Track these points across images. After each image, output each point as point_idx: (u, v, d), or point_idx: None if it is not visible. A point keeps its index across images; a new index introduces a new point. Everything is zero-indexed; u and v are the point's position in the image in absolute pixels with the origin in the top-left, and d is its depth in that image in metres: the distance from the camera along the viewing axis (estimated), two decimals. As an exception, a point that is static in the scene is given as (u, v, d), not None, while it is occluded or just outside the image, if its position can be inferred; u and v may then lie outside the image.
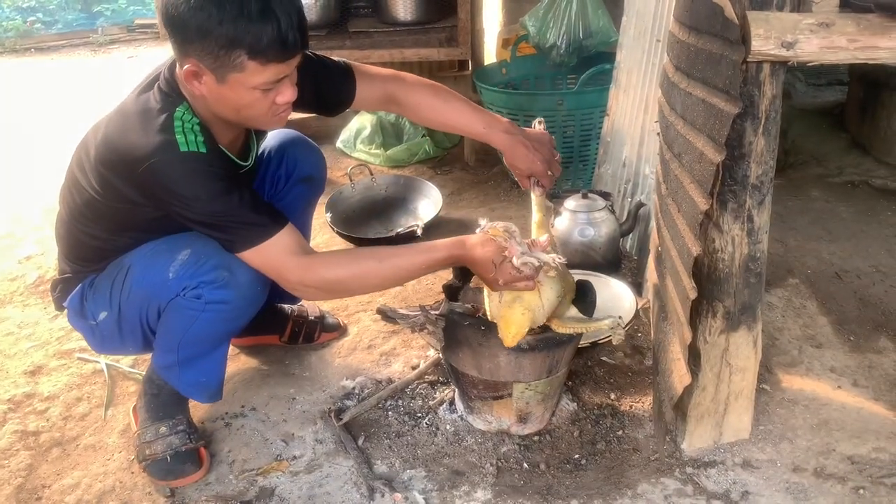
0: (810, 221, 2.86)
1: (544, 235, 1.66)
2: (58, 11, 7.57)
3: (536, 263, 1.55)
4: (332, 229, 2.75)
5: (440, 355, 1.95)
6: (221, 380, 1.82)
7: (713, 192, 1.39)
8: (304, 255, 1.56)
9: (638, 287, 2.41)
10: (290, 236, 1.55)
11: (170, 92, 1.53)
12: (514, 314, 1.59)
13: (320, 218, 2.86)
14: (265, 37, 1.36)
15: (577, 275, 2.34)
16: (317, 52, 1.80)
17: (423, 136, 3.60)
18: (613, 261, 2.50)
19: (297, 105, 1.63)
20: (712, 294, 1.60)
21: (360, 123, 3.67)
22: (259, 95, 1.45)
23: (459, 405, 1.88)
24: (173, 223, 1.57)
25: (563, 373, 1.79)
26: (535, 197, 1.81)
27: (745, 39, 1.33)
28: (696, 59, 1.50)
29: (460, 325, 1.68)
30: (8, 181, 3.72)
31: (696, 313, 1.61)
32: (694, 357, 1.63)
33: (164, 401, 1.80)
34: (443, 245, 1.60)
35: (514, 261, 1.54)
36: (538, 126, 1.88)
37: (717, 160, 1.35)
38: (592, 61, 2.96)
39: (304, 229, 2.09)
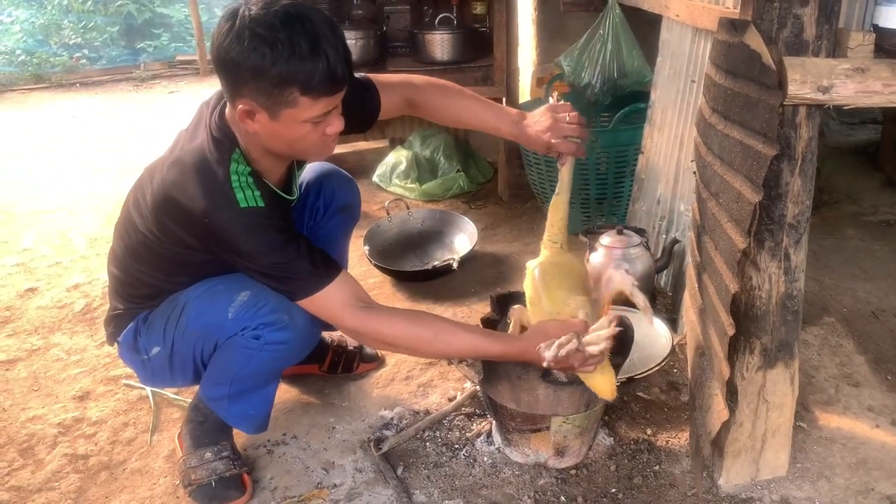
0: (845, 260, 2.86)
1: (604, 321, 1.68)
2: (102, 48, 7.86)
3: (598, 350, 1.61)
4: (370, 261, 2.80)
5: (477, 388, 1.98)
6: (269, 413, 1.87)
7: (751, 231, 1.42)
8: (360, 309, 1.60)
9: (673, 323, 2.43)
10: (345, 286, 1.60)
11: (222, 138, 1.57)
12: (605, 379, 1.68)
13: (358, 250, 2.93)
14: (317, 74, 1.41)
15: (614, 310, 2.39)
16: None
17: (458, 171, 3.68)
18: (648, 297, 2.51)
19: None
20: (749, 331, 1.63)
21: (395, 158, 3.75)
22: (310, 128, 1.50)
23: (497, 437, 1.91)
24: (230, 266, 1.62)
25: (600, 407, 1.82)
26: (562, 171, 1.85)
27: (781, 84, 1.38)
28: (733, 101, 1.54)
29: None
30: (54, 210, 3.84)
31: (734, 350, 1.63)
32: (731, 393, 1.65)
33: (209, 427, 1.85)
34: (501, 342, 1.67)
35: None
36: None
37: (755, 200, 1.38)
38: (626, 100, 3.01)
39: (342, 256, 2.15)
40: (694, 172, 2.03)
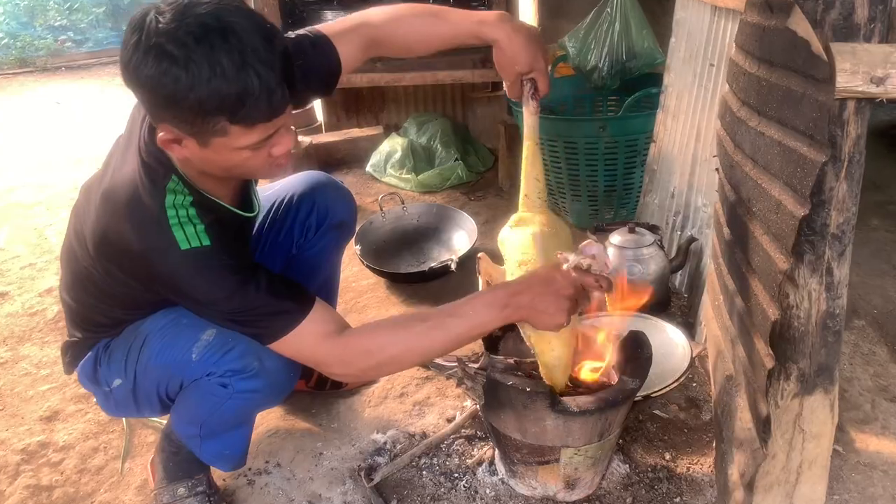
0: (872, 254, 2.66)
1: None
2: (88, 30, 7.59)
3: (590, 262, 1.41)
4: (362, 262, 2.61)
5: (478, 406, 1.80)
6: (246, 450, 1.69)
7: (794, 249, 1.22)
8: (339, 336, 1.37)
9: (689, 327, 2.24)
10: (319, 318, 1.36)
11: (154, 164, 1.33)
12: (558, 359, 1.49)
13: (349, 249, 2.73)
14: (247, 99, 1.15)
15: (625, 317, 2.20)
16: (287, 35, 1.50)
17: (456, 159, 3.47)
18: (663, 300, 2.33)
19: (297, 103, 1.47)
20: (785, 354, 1.44)
21: (390, 147, 3.54)
22: (250, 154, 1.26)
23: (500, 467, 1.73)
24: None
25: (615, 434, 1.63)
26: (529, 111, 1.62)
27: (831, 76, 1.17)
28: (770, 95, 1.34)
29: (502, 384, 1.53)
30: (31, 205, 3.65)
31: (767, 375, 1.45)
32: (763, 422, 1.46)
33: (182, 459, 1.68)
34: (503, 301, 1.38)
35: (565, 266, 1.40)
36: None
37: (800, 214, 1.19)
38: (636, 84, 2.80)
39: (332, 275, 1.96)
40: (716, 169, 1.83)
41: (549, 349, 1.48)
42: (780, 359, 1.44)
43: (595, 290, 1.41)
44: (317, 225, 1.83)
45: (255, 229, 1.69)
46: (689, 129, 2.37)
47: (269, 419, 1.99)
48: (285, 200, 1.81)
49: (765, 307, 1.31)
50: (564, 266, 1.40)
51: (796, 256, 1.35)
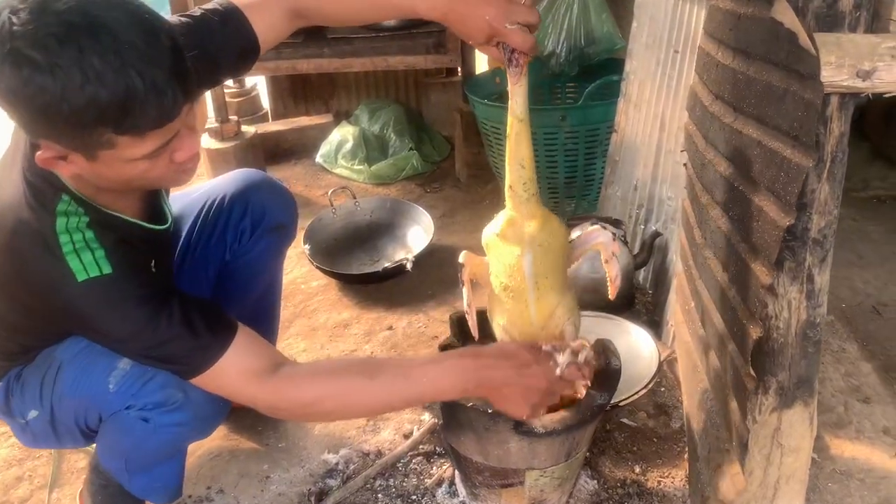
0: (837, 244, 2.51)
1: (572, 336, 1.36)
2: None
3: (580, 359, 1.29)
4: (311, 262, 2.46)
5: (437, 420, 1.68)
6: (180, 482, 1.54)
7: (779, 261, 1.12)
8: (268, 376, 1.20)
9: (654, 326, 2.15)
10: (243, 353, 1.20)
11: (41, 184, 1.16)
12: None
13: (297, 248, 2.58)
14: (131, 105, 0.99)
15: (588, 317, 2.10)
16: (192, 13, 1.35)
17: (411, 149, 3.33)
18: (627, 297, 2.24)
19: (207, 86, 1.38)
20: (764, 367, 1.34)
21: (341, 136, 3.38)
22: (147, 164, 1.09)
23: (461, 488, 1.61)
24: None
25: (583, 452, 1.53)
26: (510, 81, 1.30)
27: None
28: (747, 90, 1.23)
29: (461, 406, 1.41)
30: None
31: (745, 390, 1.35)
32: (742, 445, 1.37)
33: (113, 493, 1.52)
34: (466, 375, 1.22)
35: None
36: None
37: (785, 223, 1.08)
38: (596, 71, 2.68)
39: (273, 282, 1.81)
40: (684, 164, 1.72)
41: None
42: (758, 372, 1.35)
43: (578, 381, 1.30)
44: (252, 228, 1.67)
45: (179, 240, 1.54)
46: (653, 119, 2.27)
47: (210, 439, 1.84)
48: (216, 202, 1.65)
49: (744, 323, 1.21)
50: (556, 371, 1.27)
51: (775, 264, 1.25)
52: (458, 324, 1.64)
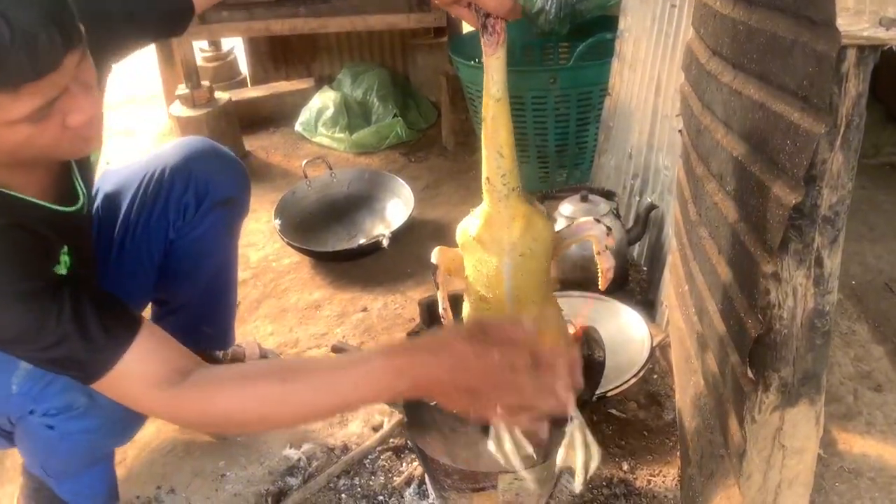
0: (847, 214, 2.43)
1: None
2: None
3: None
4: (282, 238, 2.30)
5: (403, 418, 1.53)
6: (113, 487, 1.42)
7: (782, 244, 0.96)
8: (171, 385, 1.02)
9: (648, 307, 1.99)
10: (146, 356, 1.03)
11: None
12: None
13: (269, 222, 2.43)
14: None
15: (577, 297, 1.94)
16: None
17: (395, 115, 3.14)
18: (619, 275, 2.07)
19: (123, 43, 1.21)
20: (765, 362, 1.18)
21: (322, 102, 3.20)
22: (31, 129, 0.94)
23: (432, 489, 1.47)
24: None
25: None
26: (486, 52, 1.10)
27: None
28: (749, 43, 1.05)
29: (424, 404, 1.26)
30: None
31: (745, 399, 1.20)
32: (739, 454, 1.22)
33: (46, 495, 1.39)
34: (383, 366, 1.00)
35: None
36: None
37: (791, 201, 0.91)
38: (589, 29, 2.49)
39: (226, 264, 1.65)
40: (679, 130, 1.55)
41: None
42: (759, 367, 1.19)
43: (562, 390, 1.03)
44: (196, 203, 1.51)
45: (115, 220, 1.38)
46: (649, 81, 2.09)
47: (162, 433, 1.71)
48: (155, 176, 1.48)
49: (742, 316, 1.04)
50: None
51: (779, 245, 1.09)
52: (428, 309, 1.48)
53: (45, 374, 1.13)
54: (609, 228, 1.24)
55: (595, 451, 1.19)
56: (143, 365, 1.01)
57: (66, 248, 1.11)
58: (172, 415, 1.08)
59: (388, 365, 0.99)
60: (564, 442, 1.19)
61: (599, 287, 1.28)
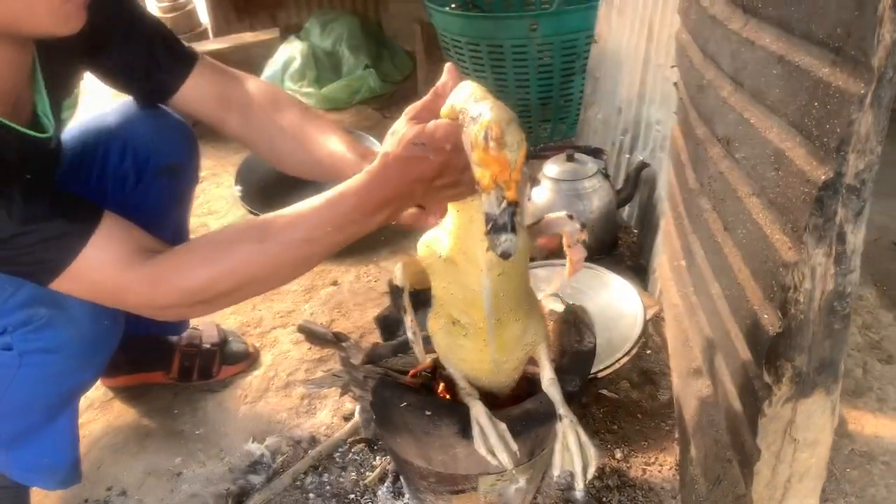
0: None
1: None
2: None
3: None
4: (244, 206, 2.13)
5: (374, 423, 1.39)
6: (75, 456, 1.29)
7: (807, 228, 0.80)
8: (143, 263, 0.97)
9: (639, 273, 1.86)
10: (110, 238, 0.98)
11: None
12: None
13: (230, 188, 2.25)
14: None
15: (562, 266, 1.80)
16: (166, 31, 1.29)
17: (366, 66, 2.94)
18: (609, 239, 1.93)
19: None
20: (777, 349, 1.04)
21: (288, 54, 2.98)
22: None
23: (407, 492, 1.34)
24: None
25: (550, 448, 1.25)
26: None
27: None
28: (765, -19, 0.88)
29: (394, 405, 1.12)
30: None
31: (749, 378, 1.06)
32: (749, 461, 1.09)
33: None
34: (351, 187, 0.95)
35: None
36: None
37: (821, 178, 0.76)
38: (573, -31, 2.30)
39: (178, 239, 1.49)
40: (675, 84, 1.39)
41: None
42: (770, 357, 1.05)
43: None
44: (137, 171, 1.35)
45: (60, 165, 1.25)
46: (639, 26, 1.91)
47: (114, 426, 1.56)
48: (90, 139, 1.33)
49: (756, 309, 0.90)
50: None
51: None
52: (386, 328, 1.33)
53: (2, 290, 1.04)
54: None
55: (592, 451, 1.07)
56: (111, 246, 0.96)
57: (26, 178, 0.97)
58: (151, 297, 0.99)
59: (361, 199, 0.94)
60: (557, 445, 1.07)
61: (566, 274, 1.15)
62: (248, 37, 3.18)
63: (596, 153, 1.92)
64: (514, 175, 0.79)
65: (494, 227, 0.79)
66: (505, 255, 0.80)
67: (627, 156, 2.01)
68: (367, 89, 2.89)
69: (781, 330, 0.88)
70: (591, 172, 1.82)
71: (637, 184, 1.89)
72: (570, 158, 1.85)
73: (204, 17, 3.40)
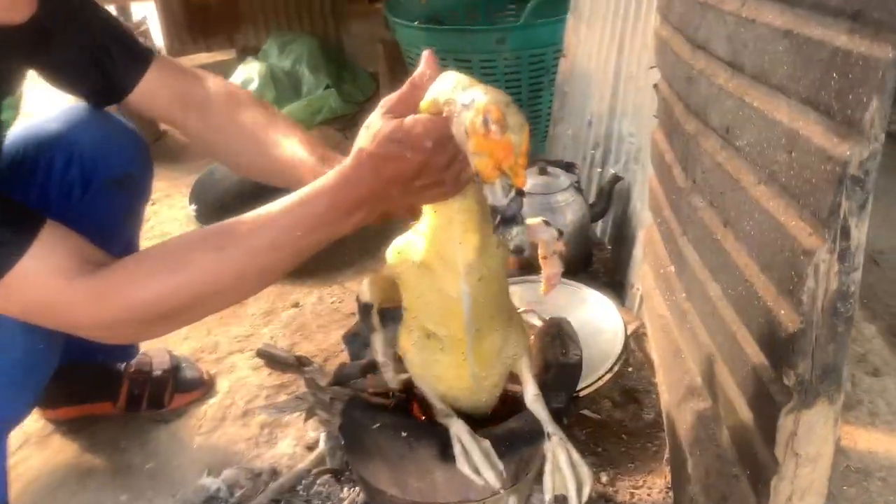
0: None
1: None
2: None
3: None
4: (200, 226, 2.01)
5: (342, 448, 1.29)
6: (3, 501, 1.19)
7: (831, 215, 0.74)
8: (88, 276, 0.87)
9: (616, 288, 1.79)
10: (52, 248, 0.88)
11: None
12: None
13: (184, 208, 2.14)
14: None
15: (537, 282, 1.72)
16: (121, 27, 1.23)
17: (327, 87, 2.86)
18: (582, 255, 1.86)
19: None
20: (777, 356, 0.98)
21: (246, 75, 2.89)
22: None
23: (378, 521, 1.23)
24: None
25: (535, 469, 1.15)
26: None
27: None
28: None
29: (365, 427, 1.01)
30: None
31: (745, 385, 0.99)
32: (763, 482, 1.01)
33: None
34: (323, 187, 0.86)
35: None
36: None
37: (845, 153, 0.69)
38: (539, -17, 2.27)
39: (127, 250, 1.38)
40: (654, 86, 1.33)
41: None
42: (770, 362, 0.98)
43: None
44: (83, 181, 1.25)
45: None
46: (609, 39, 1.87)
47: (54, 463, 1.42)
48: (31, 144, 1.22)
49: (770, 306, 0.83)
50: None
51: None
52: (351, 343, 1.24)
53: None
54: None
55: (585, 470, 0.98)
56: (52, 257, 0.87)
57: None
58: (96, 314, 0.89)
59: (333, 199, 0.85)
60: (548, 466, 0.98)
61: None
62: (203, 57, 3.10)
63: (568, 167, 1.85)
64: (520, 160, 0.71)
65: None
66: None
67: (599, 170, 1.95)
68: (328, 110, 2.81)
69: (803, 326, 0.80)
70: (563, 186, 1.76)
71: (611, 197, 1.83)
72: (542, 171, 1.78)
73: (158, 39, 3.30)
